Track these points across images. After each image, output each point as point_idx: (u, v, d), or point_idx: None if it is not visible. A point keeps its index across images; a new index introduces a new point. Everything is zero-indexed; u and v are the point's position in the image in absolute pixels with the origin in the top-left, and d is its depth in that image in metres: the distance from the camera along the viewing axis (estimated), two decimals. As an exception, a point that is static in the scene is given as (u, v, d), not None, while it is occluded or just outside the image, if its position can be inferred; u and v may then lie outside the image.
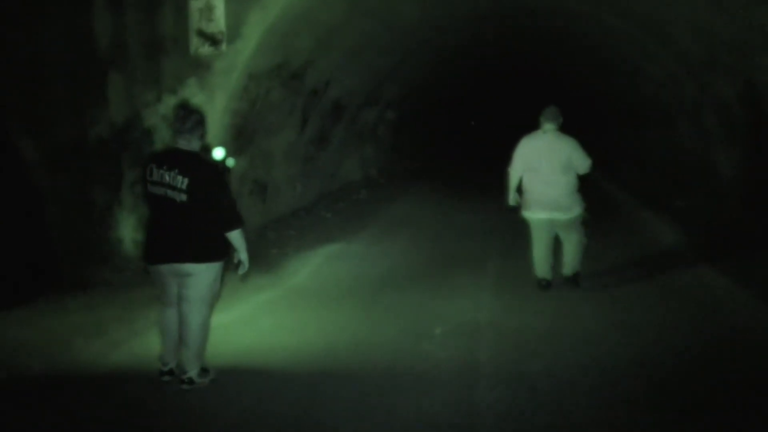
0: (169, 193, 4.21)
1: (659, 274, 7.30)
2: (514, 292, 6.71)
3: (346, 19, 8.76)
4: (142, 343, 5.30)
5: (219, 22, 7.24)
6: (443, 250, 8.69)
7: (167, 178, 4.21)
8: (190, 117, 4.33)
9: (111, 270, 8.11)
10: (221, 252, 4.41)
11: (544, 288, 6.72)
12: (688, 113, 11.53)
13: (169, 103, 7.68)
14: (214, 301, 4.55)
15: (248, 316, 6.09)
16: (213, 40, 7.33)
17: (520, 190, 6.80)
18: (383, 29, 10.33)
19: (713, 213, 10.16)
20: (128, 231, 8.20)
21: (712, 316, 5.87)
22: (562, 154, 6.44)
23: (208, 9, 7.27)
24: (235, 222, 4.38)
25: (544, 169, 6.46)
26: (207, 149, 4.76)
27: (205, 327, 4.47)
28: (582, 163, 6.48)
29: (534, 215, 6.64)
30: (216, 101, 7.62)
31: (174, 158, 4.29)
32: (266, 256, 8.38)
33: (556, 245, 6.83)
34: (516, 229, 9.75)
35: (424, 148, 21.36)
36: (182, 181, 4.18)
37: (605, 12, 10.16)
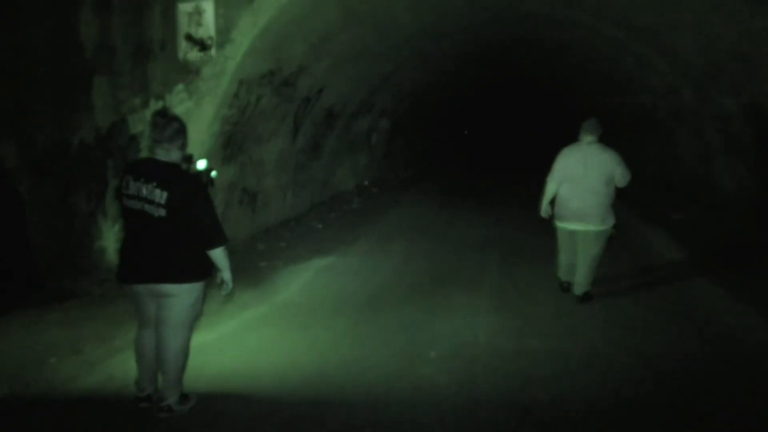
0: (147, 207, 3.90)
1: (658, 291, 7.11)
2: (513, 310, 6.45)
3: (339, 26, 8.51)
4: (121, 363, 5.00)
5: (208, 26, 6.98)
6: (439, 264, 8.40)
7: (144, 191, 3.91)
8: (169, 125, 4.00)
9: (93, 281, 7.81)
10: (203, 271, 4.10)
11: (565, 290, 6.99)
12: (688, 125, 11.35)
13: (156, 109, 7.42)
14: (194, 323, 4.24)
15: (234, 335, 5.80)
16: (202, 45, 7.07)
17: (552, 201, 6.79)
18: (377, 37, 10.08)
19: (712, 227, 9.97)
20: (112, 241, 7.93)
21: (716, 335, 5.63)
22: (606, 167, 6.45)
23: (198, 13, 7.01)
24: (218, 239, 4.06)
25: (588, 181, 6.44)
26: (190, 159, 4.47)
27: (185, 351, 4.17)
28: (623, 176, 6.52)
29: (569, 225, 6.64)
30: (205, 108, 7.34)
31: (152, 170, 3.97)
32: (255, 269, 8.11)
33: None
34: (514, 242, 9.63)
35: (418, 156, 21.14)
36: (160, 195, 3.87)
37: (604, 22, 9.97)
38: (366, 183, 15.53)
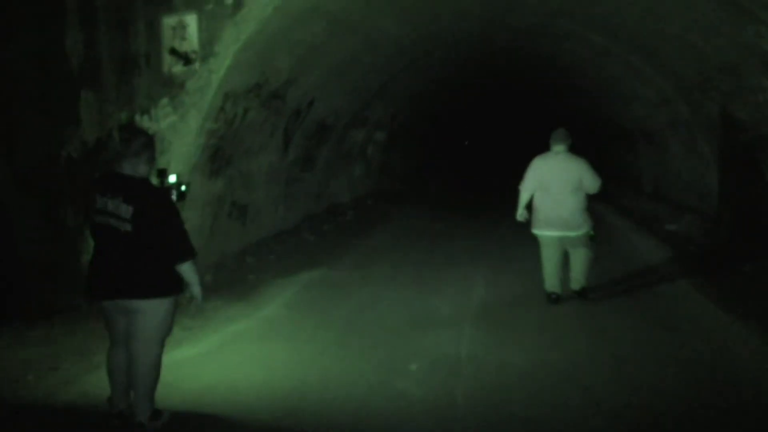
0: (113, 222, 3.86)
1: (647, 302, 7.03)
2: (497, 323, 6.39)
3: (327, 38, 8.50)
4: (97, 379, 4.93)
5: (192, 40, 6.97)
6: (427, 277, 8.36)
7: (110, 206, 3.88)
8: (135, 139, 3.98)
9: (79, 296, 7.78)
10: (172, 286, 4.05)
11: (554, 302, 6.97)
12: (681, 135, 11.32)
13: (142, 122, 7.42)
14: (165, 338, 4.20)
15: (215, 349, 5.75)
16: (186, 59, 7.06)
17: (529, 207, 7.08)
18: (368, 48, 10.08)
19: (705, 237, 9.92)
20: (99, 255, 7.88)
21: (705, 349, 5.55)
22: (573, 175, 6.72)
23: (181, 27, 7.01)
24: (186, 253, 4.01)
25: (556, 188, 6.73)
26: (164, 174, 4.44)
27: (156, 367, 4.11)
28: (592, 183, 6.76)
29: (544, 233, 6.90)
30: (190, 121, 7.32)
31: (118, 184, 3.93)
32: (243, 282, 8.07)
33: (565, 260, 7.07)
34: (503, 255, 9.59)
35: (414, 168, 21.13)
36: (126, 210, 3.83)
37: (596, 33, 9.98)
38: (361, 195, 15.50)
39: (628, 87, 12.26)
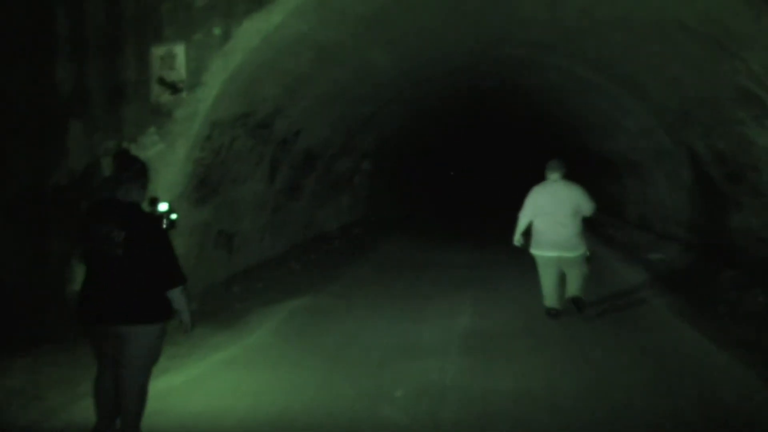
0: (105, 247, 3.90)
1: (632, 332, 7.07)
2: (483, 351, 6.42)
3: (314, 68, 8.61)
4: (83, 408, 4.89)
5: (180, 70, 7.05)
6: (413, 305, 8.38)
7: (103, 231, 3.92)
8: (129, 166, 4.06)
9: (66, 326, 7.74)
10: (162, 312, 4.07)
11: (553, 317, 7.47)
12: (664, 166, 11.47)
13: (130, 151, 7.46)
14: (153, 365, 4.20)
15: (201, 377, 5.74)
16: (174, 88, 7.13)
17: (525, 233, 7.64)
18: (355, 79, 10.21)
19: (687, 266, 10.02)
20: (85, 284, 7.85)
21: (690, 375, 5.61)
22: (571, 200, 7.34)
23: (170, 56, 7.09)
24: (177, 279, 4.05)
25: (555, 213, 7.31)
26: (154, 202, 4.48)
27: (143, 394, 4.11)
28: (588, 206, 7.41)
29: (544, 254, 7.42)
30: (177, 150, 7.37)
31: (111, 210, 3.99)
32: (229, 310, 8.06)
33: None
34: (488, 283, 9.65)
35: (401, 197, 21.22)
36: (118, 234, 3.88)
37: (579, 65, 10.15)
38: (349, 224, 15.54)
39: (612, 119, 12.44)
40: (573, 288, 7.45)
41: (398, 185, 20.73)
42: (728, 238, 9.12)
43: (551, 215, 7.32)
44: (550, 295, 7.52)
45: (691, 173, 10.11)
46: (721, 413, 4.82)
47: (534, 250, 7.51)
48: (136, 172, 4.09)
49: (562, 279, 7.53)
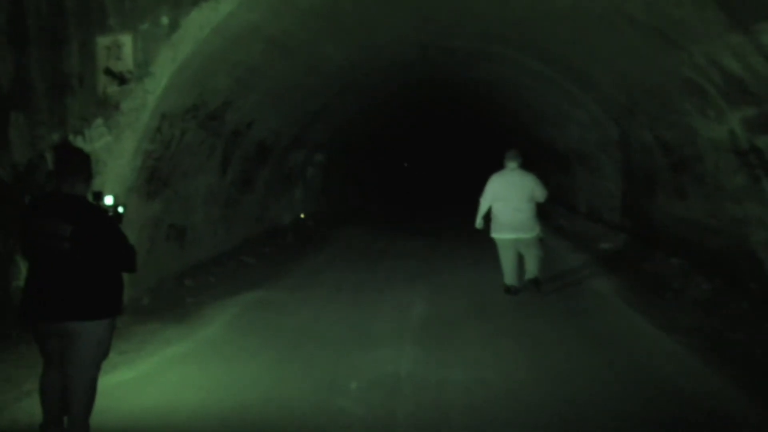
0: (51, 242, 3.79)
1: (584, 319, 7.19)
2: (437, 341, 6.45)
3: (265, 60, 8.52)
4: (28, 406, 4.78)
5: (127, 60, 6.90)
6: (367, 297, 8.39)
7: (48, 226, 3.81)
8: (72, 158, 3.95)
9: (11, 323, 7.53)
10: (111, 307, 3.99)
11: (513, 293, 8.19)
12: (613, 157, 11.66)
13: (75, 143, 7.28)
14: (102, 361, 4.11)
15: (153, 372, 5.64)
16: (121, 79, 6.98)
17: (485, 217, 8.34)
18: (307, 71, 10.14)
19: (634, 256, 10.22)
20: (30, 280, 7.64)
21: (639, 362, 5.73)
22: (526, 186, 8.07)
23: (117, 47, 6.93)
24: (134, 257, 4.08)
25: (513, 198, 8.01)
26: (99, 196, 4.37)
27: (92, 391, 4.02)
28: (541, 193, 8.14)
29: (503, 236, 8.13)
30: (125, 142, 7.22)
31: (56, 204, 3.87)
32: (181, 305, 7.95)
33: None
34: (442, 274, 9.70)
35: (355, 190, 21.20)
36: (65, 229, 3.78)
37: (528, 57, 10.24)
38: (302, 217, 15.46)
39: (562, 110, 12.59)
40: (530, 270, 8.17)
41: (352, 177, 20.70)
42: (674, 228, 9.32)
43: (508, 200, 8.02)
44: (509, 274, 8.20)
45: (638, 163, 10.30)
46: (668, 396, 4.94)
47: (494, 234, 8.19)
48: (78, 164, 3.98)
49: (519, 260, 8.19)
